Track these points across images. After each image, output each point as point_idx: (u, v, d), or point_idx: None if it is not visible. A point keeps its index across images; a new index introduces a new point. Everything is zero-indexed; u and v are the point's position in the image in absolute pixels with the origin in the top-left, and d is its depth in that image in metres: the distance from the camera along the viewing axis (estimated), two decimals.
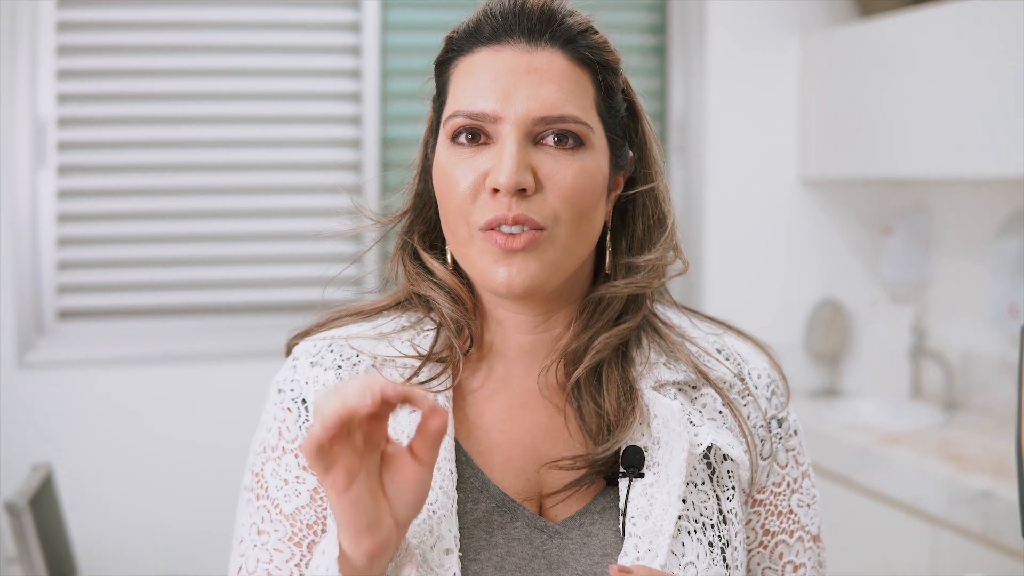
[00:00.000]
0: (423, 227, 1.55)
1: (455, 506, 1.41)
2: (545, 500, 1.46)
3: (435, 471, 1.39)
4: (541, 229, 1.39)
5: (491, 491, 1.44)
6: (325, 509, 1.44)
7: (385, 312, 1.56)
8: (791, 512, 1.58)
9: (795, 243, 4.43)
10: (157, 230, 3.99)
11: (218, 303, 4.06)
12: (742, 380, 1.56)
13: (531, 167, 1.39)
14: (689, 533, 1.43)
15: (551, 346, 1.51)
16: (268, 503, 1.46)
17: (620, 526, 1.43)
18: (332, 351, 1.51)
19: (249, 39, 4.04)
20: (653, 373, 1.50)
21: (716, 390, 1.52)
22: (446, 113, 1.46)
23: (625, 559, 1.40)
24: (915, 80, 3.77)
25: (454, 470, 1.43)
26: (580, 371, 1.48)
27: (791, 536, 1.58)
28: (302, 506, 1.44)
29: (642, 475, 1.44)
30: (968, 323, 4.12)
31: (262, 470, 1.48)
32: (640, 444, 1.46)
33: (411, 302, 1.55)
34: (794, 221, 4.42)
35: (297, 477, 1.46)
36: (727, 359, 1.57)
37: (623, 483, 1.44)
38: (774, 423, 1.57)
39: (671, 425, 1.46)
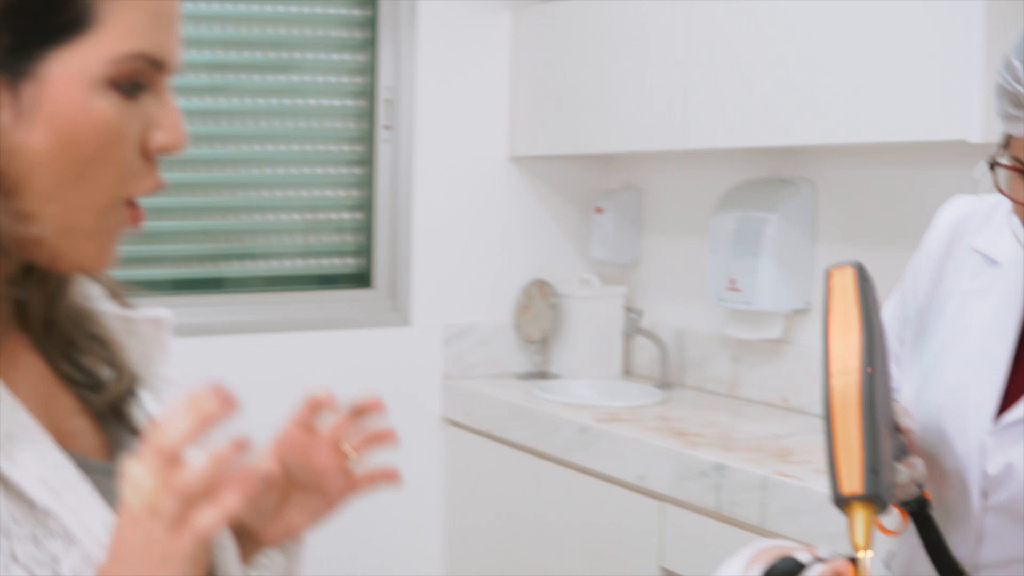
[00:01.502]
0: None
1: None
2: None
3: (27, 443, 1.08)
4: None
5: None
6: None
7: None
8: None
9: (505, 223, 4.22)
10: None
11: None
12: None
13: None
14: None
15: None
16: None
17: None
18: None
19: None
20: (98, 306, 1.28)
21: None
22: (110, 47, 1.08)
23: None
24: (626, 54, 3.63)
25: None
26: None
27: None
28: None
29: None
30: (682, 301, 4.00)
31: None
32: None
33: None
34: (504, 200, 4.21)
35: None
36: None
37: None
38: None
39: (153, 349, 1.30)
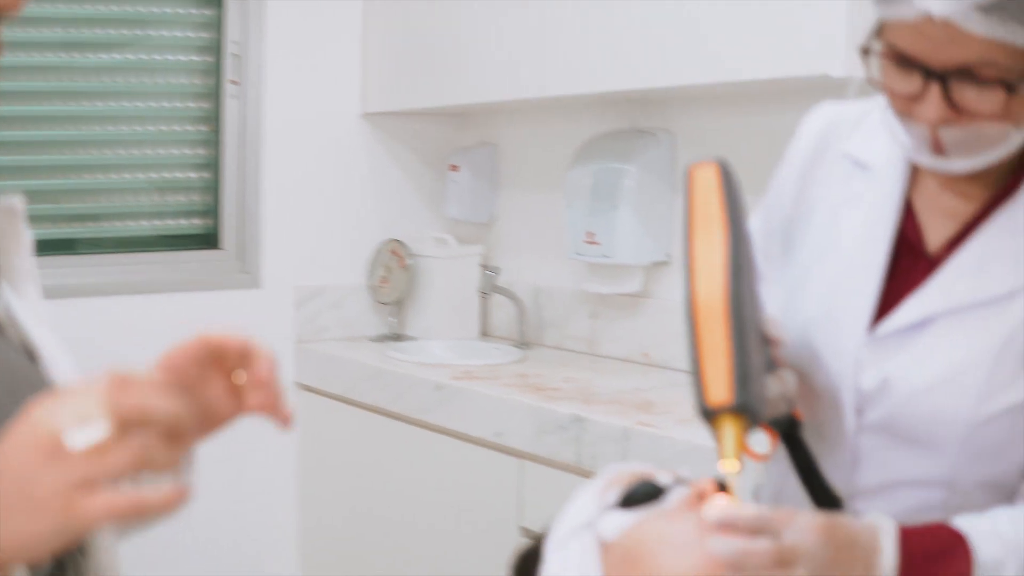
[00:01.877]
0: None
1: None
2: None
3: None
4: None
5: None
6: None
7: None
8: None
9: (357, 182, 4.04)
10: None
11: None
12: None
13: None
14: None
15: None
16: None
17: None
18: None
19: None
20: None
21: None
22: None
23: None
24: (479, 5, 3.47)
25: None
26: None
27: None
28: None
29: None
30: (540, 258, 3.86)
31: None
32: None
33: None
34: (356, 158, 4.04)
35: None
36: None
37: None
38: None
39: None
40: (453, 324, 3.94)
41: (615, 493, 1.38)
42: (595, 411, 2.85)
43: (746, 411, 1.30)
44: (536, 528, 2.91)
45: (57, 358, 1.18)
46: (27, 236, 1.22)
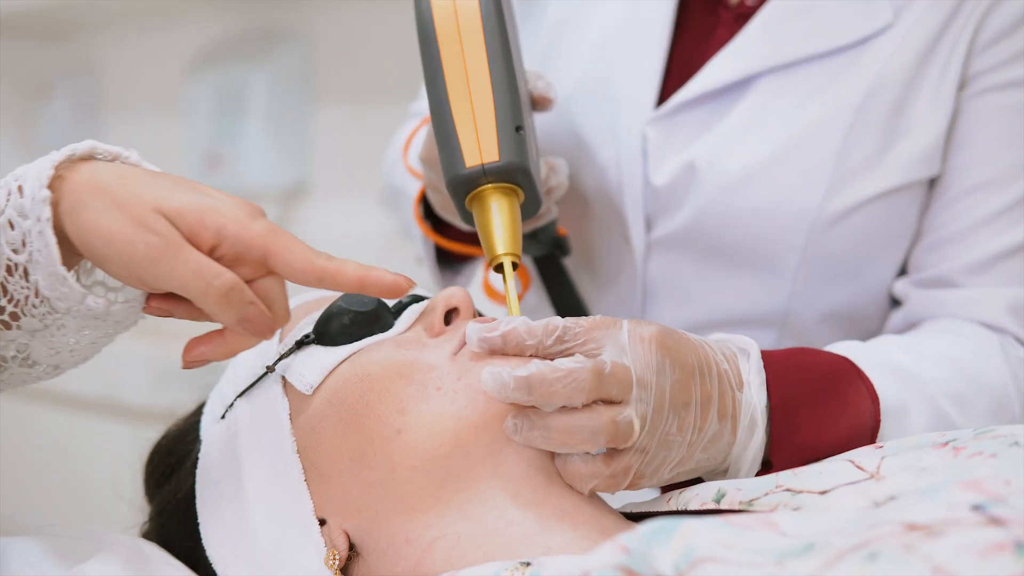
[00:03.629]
0: None
1: None
2: None
3: None
4: None
5: None
6: None
7: None
8: None
9: None
10: None
11: None
12: None
13: None
14: None
15: None
16: None
17: None
18: None
19: None
20: None
21: None
22: None
23: None
24: None
25: None
26: None
27: None
28: None
29: None
30: None
31: None
32: None
33: None
34: None
35: None
36: None
37: None
38: None
39: None
40: None
41: (309, 326, 0.85)
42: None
43: (519, 176, 0.79)
44: None
45: None
46: None
